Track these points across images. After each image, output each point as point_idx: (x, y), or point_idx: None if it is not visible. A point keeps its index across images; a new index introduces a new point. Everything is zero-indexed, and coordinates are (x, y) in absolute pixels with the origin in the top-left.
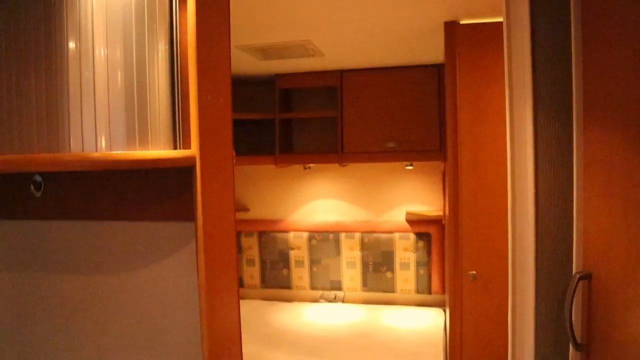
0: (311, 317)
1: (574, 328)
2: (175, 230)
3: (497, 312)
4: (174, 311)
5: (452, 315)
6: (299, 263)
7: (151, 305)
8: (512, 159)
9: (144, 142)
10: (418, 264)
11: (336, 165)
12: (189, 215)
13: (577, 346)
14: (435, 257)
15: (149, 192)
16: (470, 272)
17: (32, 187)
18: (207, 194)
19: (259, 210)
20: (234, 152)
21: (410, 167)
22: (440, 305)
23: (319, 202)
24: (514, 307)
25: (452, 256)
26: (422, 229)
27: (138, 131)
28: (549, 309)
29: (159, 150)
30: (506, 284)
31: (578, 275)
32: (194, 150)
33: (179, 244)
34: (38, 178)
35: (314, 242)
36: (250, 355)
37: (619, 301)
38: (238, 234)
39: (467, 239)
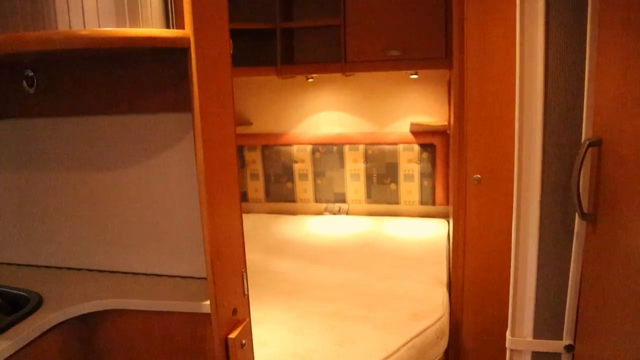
0: (315, 228)
1: (581, 197)
2: (172, 121)
3: (500, 215)
4: (175, 206)
5: (455, 220)
6: (303, 176)
7: (152, 200)
8: (521, 25)
9: (134, 21)
10: (422, 176)
11: (339, 75)
12: (186, 105)
13: (583, 215)
14: (439, 168)
15: (144, 83)
16: (475, 176)
17: (24, 83)
18: (204, 81)
19: (261, 123)
20: (230, 41)
21: (415, 76)
22: (444, 216)
23: (323, 115)
24: (519, 177)
25: (457, 160)
26: (427, 140)
27: (128, 9)
28: (556, 178)
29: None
30: (511, 187)
31: (588, 142)
32: (187, 31)
33: (177, 136)
34: (29, 73)
35: (317, 155)
36: (254, 262)
37: (629, 168)
38: (241, 148)
39: (471, 143)
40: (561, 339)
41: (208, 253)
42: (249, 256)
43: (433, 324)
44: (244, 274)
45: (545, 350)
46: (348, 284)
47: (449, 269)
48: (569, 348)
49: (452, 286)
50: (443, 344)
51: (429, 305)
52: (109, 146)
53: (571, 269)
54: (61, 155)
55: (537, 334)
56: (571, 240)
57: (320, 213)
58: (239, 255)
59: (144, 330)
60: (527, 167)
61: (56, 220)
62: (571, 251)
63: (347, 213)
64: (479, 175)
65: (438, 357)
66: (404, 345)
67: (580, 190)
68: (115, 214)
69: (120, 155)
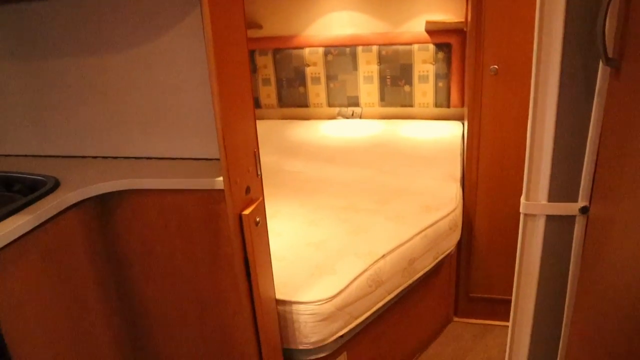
0: (329, 132)
1: (606, 41)
2: None
3: (517, 107)
4: (186, 87)
5: (470, 113)
6: (316, 80)
7: (162, 82)
8: None
9: None
10: (437, 77)
11: None
12: None
13: (607, 60)
14: (455, 69)
15: None
16: (492, 67)
17: None
18: None
19: (272, 26)
20: None
21: None
22: (459, 118)
23: (334, 15)
24: (540, 24)
25: (473, 50)
26: (443, 39)
27: None
28: (580, 24)
29: None
30: (528, 79)
31: None
32: None
33: (184, 10)
34: None
35: (330, 57)
36: (268, 164)
37: None
38: (252, 52)
39: (489, 32)
40: (576, 201)
41: (219, 129)
42: (263, 159)
43: (446, 216)
44: (257, 154)
45: (559, 213)
46: (361, 181)
47: (463, 166)
48: (584, 210)
49: (465, 181)
50: (455, 236)
51: (442, 199)
52: (114, 27)
53: (591, 121)
54: (66, 39)
55: (552, 197)
56: (592, 96)
57: (333, 117)
58: (251, 135)
59: (160, 209)
60: (548, 14)
61: (67, 108)
62: (592, 108)
63: (360, 117)
64: (496, 66)
65: (450, 249)
66: (417, 234)
67: (606, 33)
68: (126, 99)
69: (126, 37)
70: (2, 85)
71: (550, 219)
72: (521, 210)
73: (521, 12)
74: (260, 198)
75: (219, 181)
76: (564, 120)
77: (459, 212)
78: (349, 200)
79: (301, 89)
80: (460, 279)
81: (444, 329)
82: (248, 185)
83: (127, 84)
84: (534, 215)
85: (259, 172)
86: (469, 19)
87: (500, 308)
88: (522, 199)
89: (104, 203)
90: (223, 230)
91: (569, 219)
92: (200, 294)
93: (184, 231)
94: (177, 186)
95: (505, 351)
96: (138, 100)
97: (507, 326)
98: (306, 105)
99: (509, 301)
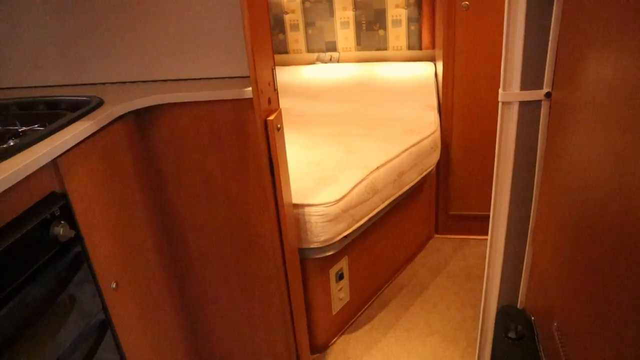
0: (310, 75)
1: None
2: None
3: (488, 40)
4: (210, 9)
5: (445, 47)
6: (294, 27)
7: (187, 4)
8: None
9: None
10: (409, 20)
11: None
12: None
13: None
14: (425, 12)
15: None
16: (463, 3)
17: None
18: None
19: None
20: None
21: None
22: (431, 59)
23: None
24: None
25: None
26: None
27: None
28: None
29: None
30: (501, 16)
31: None
32: None
33: None
34: None
35: (307, 4)
36: None
37: None
38: None
39: None
40: (542, 88)
41: (249, 47)
42: None
43: (427, 137)
44: (274, 70)
45: (529, 99)
46: (347, 113)
47: (439, 98)
48: (548, 95)
49: (442, 109)
50: (436, 155)
51: (422, 123)
52: None
53: (552, 19)
54: None
55: (524, 85)
56: None
57: (312, 63)
58: (269, 54)
59: (193, 118)
60: None
61: (95, 36)
62: (553, 8)
63: (338, 61)
64: (467, 2)
65: (432, 166)
66: (403, 151)
67: None
68: (152, 22)
69: None
70: (33, 12)
71: (522, 105)
72: (499, 99)
73: None
74: (279, 108)
75: (248, 91)
76: (532, 21)
77: (437, 134)
78: (340, 128)
79: (281, 36)
80: (439, 198)
81: (425, 244)
82: (269, 97)
83: (152, 6)
84: (509, 103)
85: (276, 87)
86: None
87: (475, 224)
88: (500, 90)
89: (143, 117)
90: (251, 135)
91: (537, 104)
92: (229, 194)
93: (215, 138)
94: (209, 97)
95: (482, 258)
96: (163, 24)
97: (483, 239)
98: (286, 52)
99: (484, 216)
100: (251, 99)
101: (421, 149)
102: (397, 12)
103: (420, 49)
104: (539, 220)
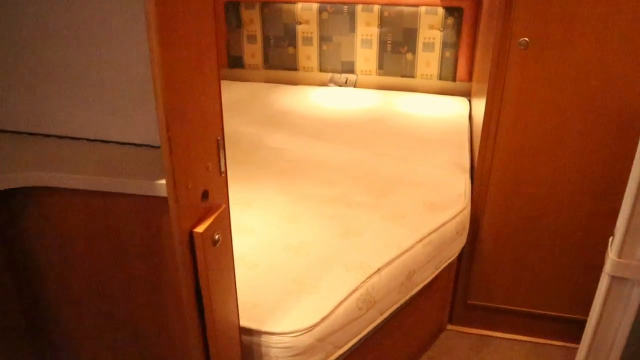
0: (319, 101)
1: None
2: None
3: (548, 90)
4: (125, 48)
5: (491, 92)
6: (307, 40)
7: (94, 39)
8: None
9: None
10: (444, 45)
11: None
12: None
13: None
14: (465, 37)
15: None
16: (521, 39)
17: None
18: None
19: None
20: None
21: None
22: (465, 94)
23: None
24: None
25: (501, 18)
26: (454, 2)
27: None
28: None
29: None
30: (566, 55)
31: None
32: None
33: None
34: None
35: (325, 15)
36: (248, 136)
37: None
38: (237, 5)
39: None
40: None
41: (160, 108)
42: (242, 129)
43: (453, 218)
44: (220, 143)
45: None
46: (353, 165)
47: (472, 154)
48: None
49: (475, 172)
50: (461, 241)
51: (448, 194)
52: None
53: None
54: None
55: None
56: None
57: (324, 84)
58: (213, 116)
59: (82, 217)
60: None
61: None
62: None
63: (354, 85)
64: (526, 39)
65: (454, 256)
66: (419, 241)
67: None
68: (47, 58)
69: None
70: None
71: None
72: (609, 270)
73: None
74: (224, 205)
75: (161, 185)
76: None
77: (467, 212)
78: (339, 190)
79: (290, 50)
80: (458, 283)
81: (435, 339)
82: (206, 188)
83: (49, 39)
84: (626, 280)
85: (222, 169)
86: None
87: (500, 318)
88: (611, 255)
89: (6, 202)
90: (167, 251)
91: None
92: (138, 328)
93: (115, 246)
94: (104, 187)
95: None
96: (61, 60)
97: (509, 339)
98: (295, 69)
99: (510, 311)
100: (166, 198)
101: (444, 235)
102: (430, 33)
103: (454, 80)
104: None
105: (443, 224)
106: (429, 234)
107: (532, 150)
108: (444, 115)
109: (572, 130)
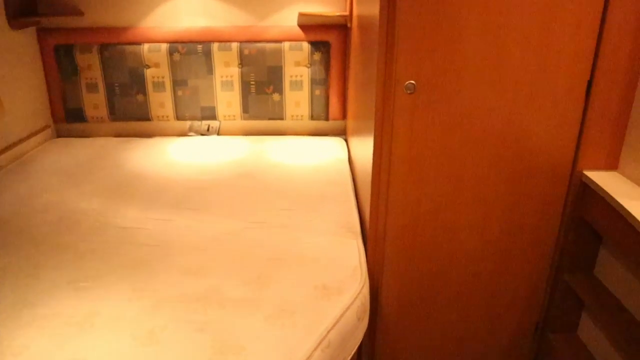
0: (178, 155)
1: None
2: None
3: (441, 137)
4: None
5: (377, 145)
6: (159, 86)
7: None
8: None
9: None
10: (313, 83)
11: None
12: None
13: None
14: (335, 73)
15: None
16: (408, 82)
17: None
18: None
19: (97, 13)
20: None
21: None
22: (340, 133)
23: (181, 2)
24: None
25: (383, 59)
26: (320, 36)
27: None
28: None
29: None
30: (460, 102)
31: None
32: None
33: None
34: None
35: (176, 56)
36: (90, 214)
37: None
38: (70, 48)
39: (405, 36)
40: None
41: None
42: (83, 205)
43: (352, 302)
44: None
45: None
46: (225, 241)
47: (359, 208)
48: None
49: (368, 235)
50: (363, 327)
51: (342, 269)
52: None
53: None
54: None
55: None
56: None
57: (184, 133)
58: None
59: None
60: None
61: None
62: None
63: (218, 132)
64: (413, 82)
65: (356, 347)
66: (316, 347)
67: None
68: None
69: None
70: None
71: None
72: None
73: (451, 10)
74: None
75: None
76: None
77: (366, 290)
78: (209, 282)
79: (140, 97)
80: None
81: None
82: None
83: None
84: None
85: None
86: (356, 16)
87: None
88: None
89: None
90: None
91: None
92: None
93: None
94: None
95: None
96: None
97: None
98: (148, 119)
99: None
100: None
101: (344, 328)
102: (297, 71)
103: (327, 119)
104: None
105: (342, 314)
106: (327, 332)
107: (431, 206)
108: (322, 162)
109: (470, 178)
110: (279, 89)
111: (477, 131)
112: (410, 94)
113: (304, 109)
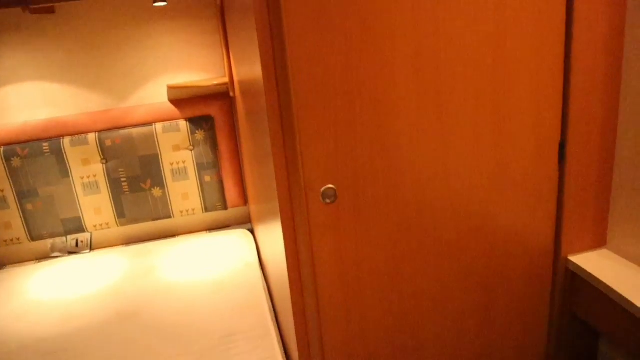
0: (35, 291)
1: None
2: None
3: (380, 247)
4: None
5: (293, 279)
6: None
7: None
8: None
9: None
10: (200, 168)
11: (27, 16)
12: None
13: None
14: (225, 151)
15: None
16: (325, 187)
17: None
18: None
19: None
20: None
21: (163, 3)
22: (244, 221)
23: (12, 90)
24: None
25: (281, 153)
26: (199, 110)
27: None
28: None
29: None
30: (389, 207)
31: None
32: None
33: None
34: None
35: (16, 161)
36: None
37: None
38: None
39: (304, 119)
40: None
41: None
42: None
43: None
44: None
45: None
46: None
47: (285, 345)
48: None
49: None
50: None
51: None
52: None
53: None
54: None
55: None
56: None
57: (45, 256)
58: None
59: None
60: None
61: None
62: None
63: (90, 248)
64: (332, 185)
65: None
66: None
67: None
68: None
69: None
70: None
71: None
72: None
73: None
74: None
75: None
76: None
77: None
78: None
79: None
80: None
81: None
82: None
83: None
84: None
85: None
86: (238, 82)
87: None
88: None
89: None
90: None
91: None
92: None
93: None
94: None
95: None
96: None
97: None
98: None
99: None
100: None
101: None
102: (177, 156)
103: (225, 208)
104: None
105: None
106: None
107: (381, 334)
108: (227, 272)
109: (430, 294)
110: (159, 182)
111: (430, 233)
112: (330, 203)
113: (195, 201)
